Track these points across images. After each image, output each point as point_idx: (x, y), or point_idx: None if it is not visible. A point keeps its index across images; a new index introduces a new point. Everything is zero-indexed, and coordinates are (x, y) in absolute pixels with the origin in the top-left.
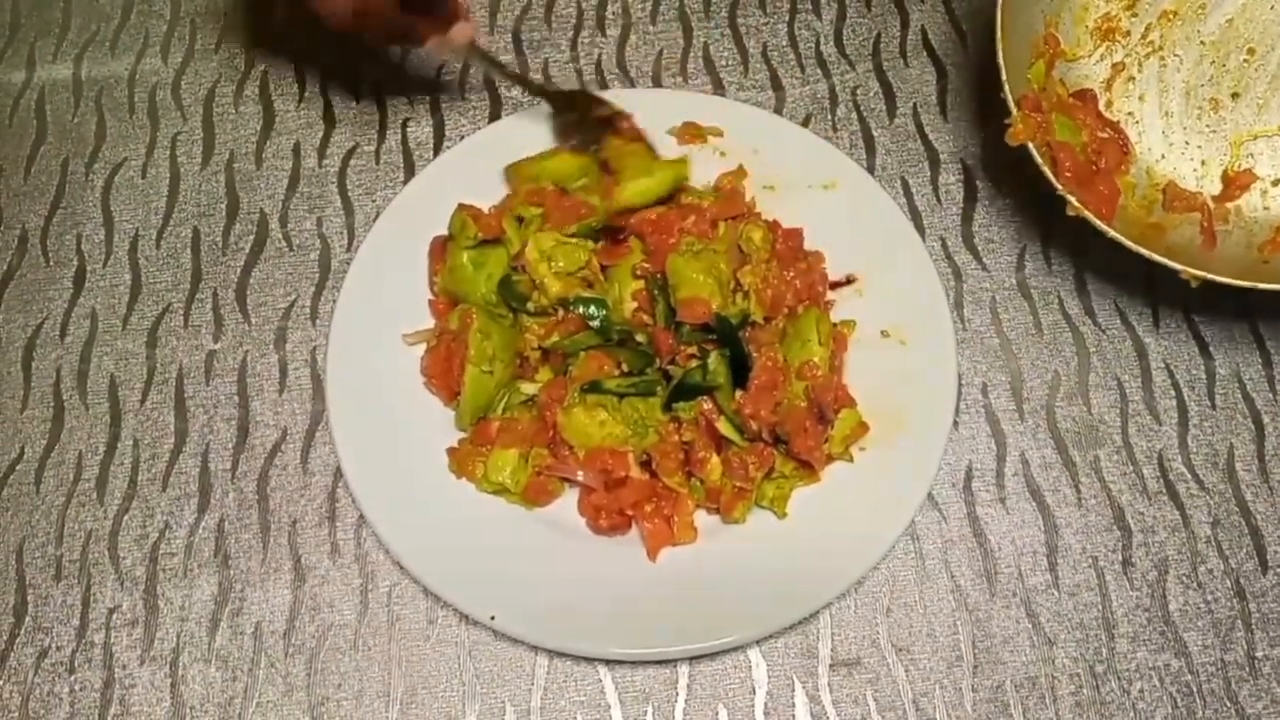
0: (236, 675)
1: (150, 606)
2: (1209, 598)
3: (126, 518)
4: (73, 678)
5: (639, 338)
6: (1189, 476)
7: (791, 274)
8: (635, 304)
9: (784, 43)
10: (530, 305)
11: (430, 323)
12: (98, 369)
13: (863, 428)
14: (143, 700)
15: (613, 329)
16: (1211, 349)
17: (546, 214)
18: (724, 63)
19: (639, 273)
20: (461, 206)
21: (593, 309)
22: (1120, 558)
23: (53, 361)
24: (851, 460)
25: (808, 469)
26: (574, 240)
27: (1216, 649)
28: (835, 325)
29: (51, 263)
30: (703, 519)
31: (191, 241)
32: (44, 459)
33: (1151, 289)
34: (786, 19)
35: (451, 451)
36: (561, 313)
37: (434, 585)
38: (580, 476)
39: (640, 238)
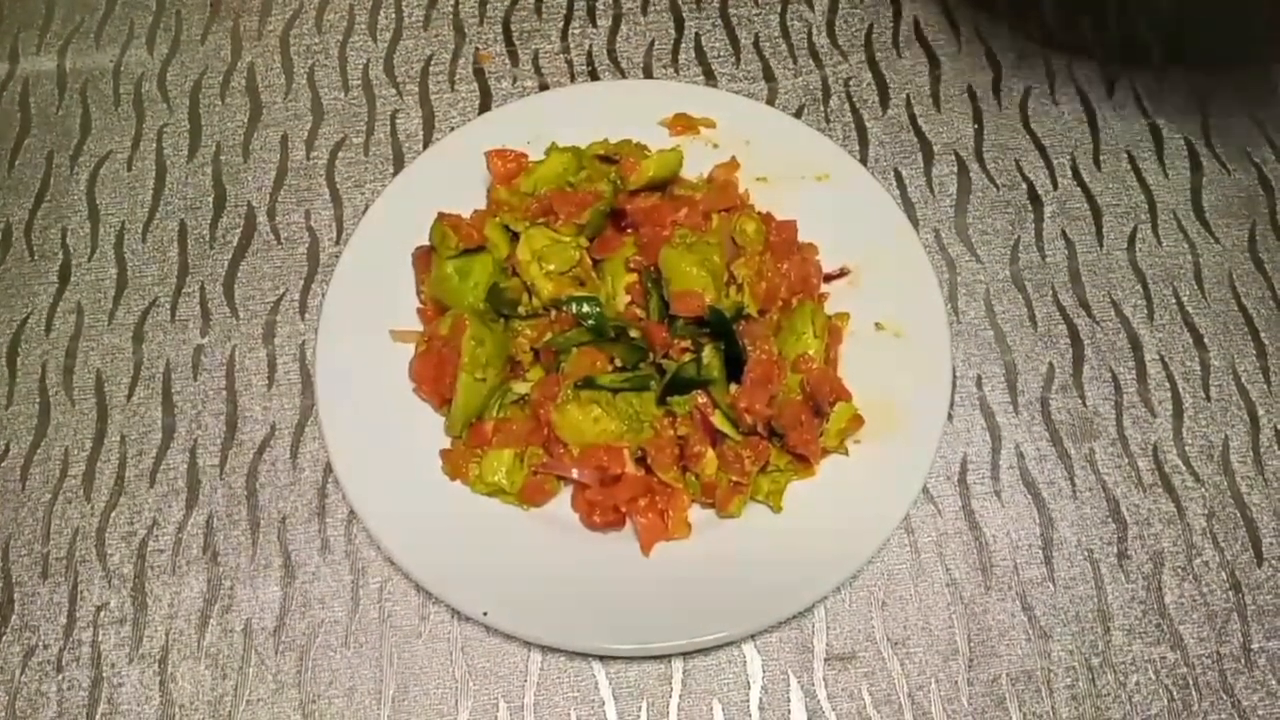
0: (226, 673)
1: (138, 604)
2: (1204, 590)
3: (114, 514)
4: (60, 676)
5: (632, 333)
6: (1184, 469)
7: (785, 266)
8: (628, 298)
9: (776, 34)
10: (521, 309)
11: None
12: (83, 364)
13: (857, 421)
14: (131, 699)
15: (607, 326)
16: (1206, 341)
17: (555, 212)
18: (716, 54)
19: (632, 265)
20: (441, 216)
21: (586, 307)
22: (1115, 550)
23: (38, 357)
24: (846, 454)
25: (803, 462)
26: (566, 239)
27: (1212, 641)
28: (830, 318)
29: (36, 257)
30: (697, 514)
31: (178, 235)
32: (29, 455)
33: (1145, 282)
34: (778, 10)
35: (445, 454)
36: (554, 313)
37: (426, 582)
38: (576, 474)
39: (634, 229)
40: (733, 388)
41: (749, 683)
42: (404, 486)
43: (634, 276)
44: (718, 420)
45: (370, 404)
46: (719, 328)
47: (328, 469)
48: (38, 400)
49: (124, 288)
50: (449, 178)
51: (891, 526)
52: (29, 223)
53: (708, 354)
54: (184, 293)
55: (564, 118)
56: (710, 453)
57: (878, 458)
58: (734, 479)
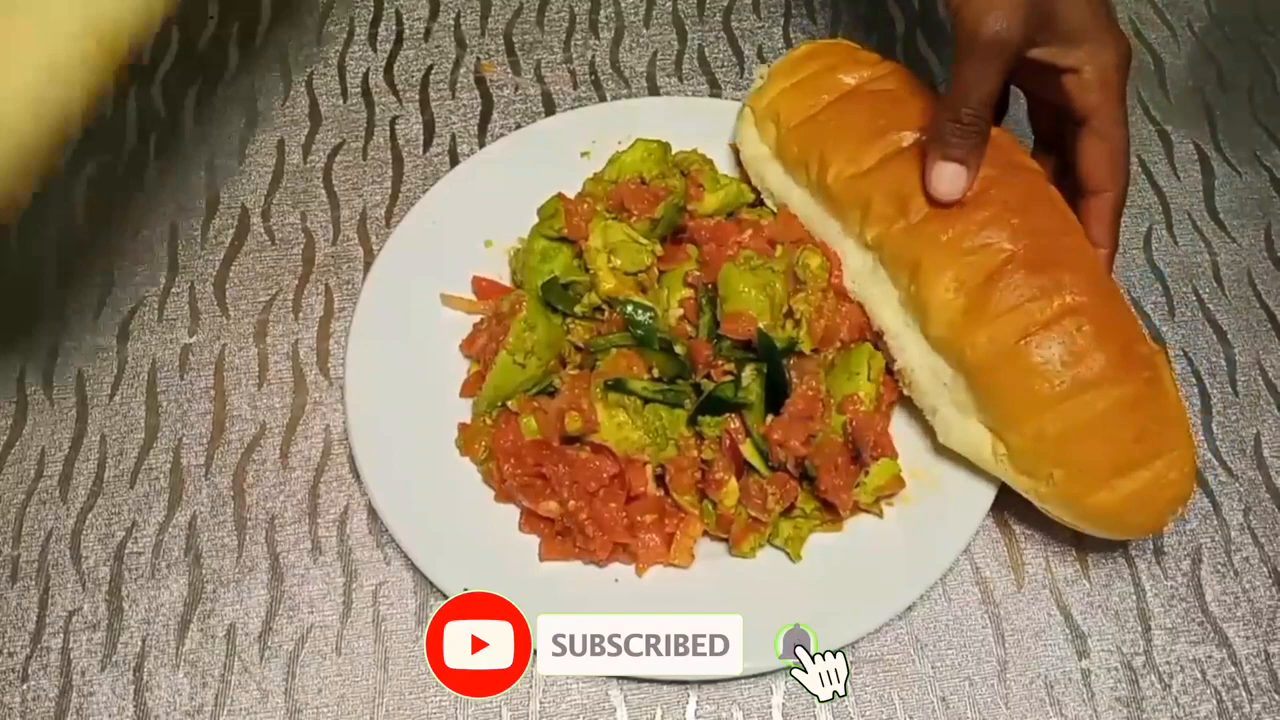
0: (207, 681)
1: (114, 609)
2: (1246, 586)
3: (91, 515)
4: (25, 686)
5: (677, 348)
6: (1216, 464)
7: (846, 308)
8: (681, 311)
9: (779, 45)
10: (578, 309)
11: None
12: (64, 364)
13: (898, 482)
14: (103, 709)
15: (655, 337)
16: (1230, 337)
17: (628, 208)
18: (719, 63)
19: (690, 280)
20: (561, 196)
21: (641, 315)
22: (1152, 546)
23: (18, 357)
24: (880, 515)
25: (831, 512)
26: (643, 241)
27: (1259, 639)
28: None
29: None
30: (704, 547)
31: (169, 236)
32: (3, 456)
33: (1163, 279)
34: (781, 22)
35: (463, 427)
36: (608, 311)
37: (409, 547)
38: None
39: (696, 244)
40: (769, 418)
41: (771, 688)
42: (414, 451)
43: (690, 291)
44: (747, 450)
45: (402, 366)
46: (765, 352)
47: (320, 468)
48: (15, 399)
49: (110, 288)
50: (533, 160)
51: (911, 599)
52: None
53: (748, 375)
54: (172, 293)
55: (636, 128)
56: (733, 482)
57: (912, 527)
58: (754, 515)
